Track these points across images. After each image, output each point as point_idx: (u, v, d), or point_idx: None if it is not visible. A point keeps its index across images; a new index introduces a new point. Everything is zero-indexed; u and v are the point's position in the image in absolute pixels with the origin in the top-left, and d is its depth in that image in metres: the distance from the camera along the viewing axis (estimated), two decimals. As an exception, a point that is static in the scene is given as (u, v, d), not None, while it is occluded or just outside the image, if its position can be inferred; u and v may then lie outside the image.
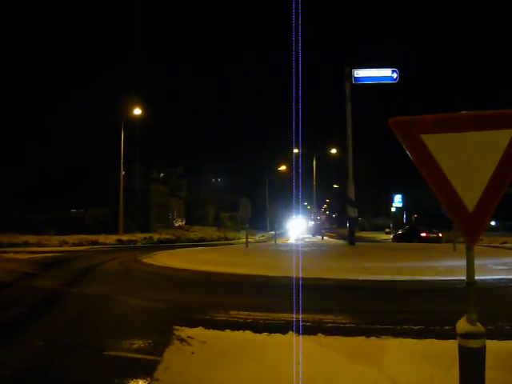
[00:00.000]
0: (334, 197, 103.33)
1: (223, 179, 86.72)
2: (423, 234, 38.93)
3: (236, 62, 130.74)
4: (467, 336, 3.14)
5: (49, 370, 5.61)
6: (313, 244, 29.79)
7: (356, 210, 23.65)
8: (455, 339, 3.24)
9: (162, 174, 73.24)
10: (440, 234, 38.42)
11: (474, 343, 3.12)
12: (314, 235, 58.70)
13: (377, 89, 23.21)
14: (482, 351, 3.15)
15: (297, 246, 25.41)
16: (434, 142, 3.12)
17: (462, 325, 3.18)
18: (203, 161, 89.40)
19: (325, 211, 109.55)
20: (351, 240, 23.49)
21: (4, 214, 38.11)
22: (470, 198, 3.11)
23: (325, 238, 48.41)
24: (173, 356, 5.81)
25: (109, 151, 43.77)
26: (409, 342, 6.26)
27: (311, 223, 77.46)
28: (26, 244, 28.04)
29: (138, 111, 37.54)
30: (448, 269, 13.86)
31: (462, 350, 3.17)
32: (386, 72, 22.31)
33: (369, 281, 12.80)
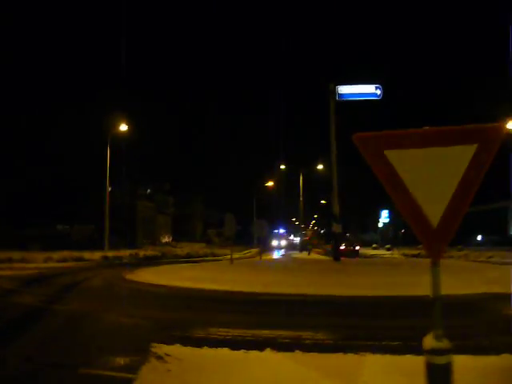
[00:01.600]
0: (321, 212, 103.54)
1: (210, 195, 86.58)
2: (342, 247, 41.67)
3: (224, 78, 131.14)
4: (433, 352, 3.13)
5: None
6: (298, 260, 29.75)
7: (340, 226, 23.70)
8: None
9: (148, 190, 73.15)
10: (357, 247, 45.20)
11: (441, 359, 3.11)
12: (300, 251, 58.64)
13: (364, 103, 23.26)
14: (448, 367, 3.14)
15: (281, 262, 25.37)
16: (397, 158, 3.13)
17: (429, 341, 3.17)
18: (190, 177, 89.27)
19: (313, 227, 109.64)
20: (336, 256, 23.50)
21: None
22: (434, 213, 3.12)
23: (311, 254, 48.35)
24: (148, 373, 5.73)
25: (95, 167, 43.58)
26: (386, 358, 6.24)
27: (298, 239, 77.44)
28: (10, 260, 27.67)
29: (124, 127, 37.48)
30: (428, 283, 13.85)
31: (429, 366, 3.16)
32: (369, 88, 22.50)
33: (350, 297, 12.77)
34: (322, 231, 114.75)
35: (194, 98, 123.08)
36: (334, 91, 22.05)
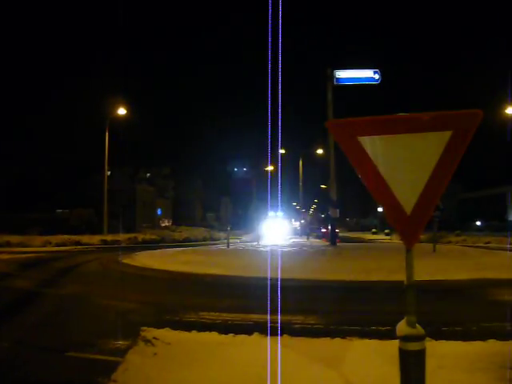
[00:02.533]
0: (322, 197, 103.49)
1: (210, 179, 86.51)
2: (323, 230, 47.38)
3: (224, 61, 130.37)
4: (406, 339, 3.13)
5: (10, 370, 5.56)
6: (295, 245, 29.80)
7: (338, 210, 23.69)
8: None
9: (148, 174, 73.13)
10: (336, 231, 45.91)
11: (414, 345, 3.12)
12: (300, 236, 58.75)
13: (363, 87, 23.16)
14: (421, 354, 3.14)
15: (279, 246, 25.40)
16: (371, 144, 3.11)
17: (402, 327, 3.18)
18: (190, 161, 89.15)
19: (313, 212, 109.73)
20: (333, 240, 23.55)
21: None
22: (408, 200, 3.10)
23: (310, 238, 48.41)
24: (134, 357, 5.77)
25: (95, 152, 43.58)
26: (374, 343, 6.27)
27: (298, 223, 77.57)
28: (9, 244, 27.81)
29: (122, 111, 37.38)
30: (422, 269, 13.87)
31: (402, 353, 3.16)
32: (367, 73, 22.36)
33: (343, 281, 12.81)
34: (323, 216, 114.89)
35: (194, 81, 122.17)
36: (332, 76, 21.93)
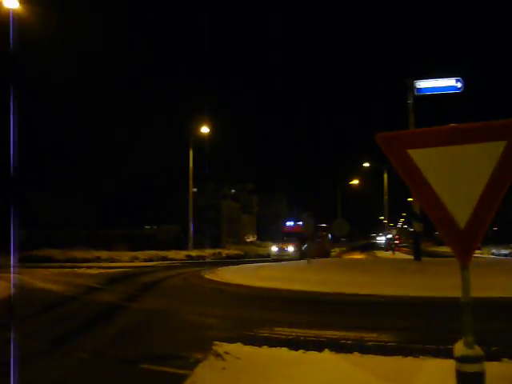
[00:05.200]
0: (409, 211, 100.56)
1: (294, 195, 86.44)
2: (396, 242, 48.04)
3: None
4: (463, 360, 2.99)
5: (82, 380, 5.82)
6: (378, 259, 29.14)
7: (421, 224, 22.93)
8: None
9: (233, 190, 74.26)
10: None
11: (471, 367, 2.97)
12: (386, 250, 57.47)
13: (443, 97, 22.38)
14: (480, 377, 2.98)
15: (359, 261, 24.94)
16: (421, 157, 3.02)
17: (459, 347, 3.04)
18: (274, 177, 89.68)
19: (401, 225, 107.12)
20: (417, 255, 22.77)
21: (81, 230, 40.07)
22: (461, 214, 2.98)
23: (396, 252, 47.18)
24: (203, 371, 5.88)
25: (180, 169, 44.88)
26: (448, 363, 5.98)
27: (384, 238, 75.88)
28: (99, 259, 29.11)
29: (205, 129, 38.35)
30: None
31: (459, 375, 3.02)
32: (449, 82, 21.62)
33: (425, 297, 12.33)
34: (412, 230, 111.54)
35: (279, 98, 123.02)
36: (412, 86, 21.40)
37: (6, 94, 25.84)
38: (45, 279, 18.81)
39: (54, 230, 42.49)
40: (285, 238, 37.85)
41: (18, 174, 34.54)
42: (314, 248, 31.57)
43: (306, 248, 30.99)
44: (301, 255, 32.12)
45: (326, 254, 37.28)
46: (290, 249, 35.13)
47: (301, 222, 30.53)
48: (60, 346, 7.60)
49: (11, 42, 20.34)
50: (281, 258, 33.24)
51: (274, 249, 36.66)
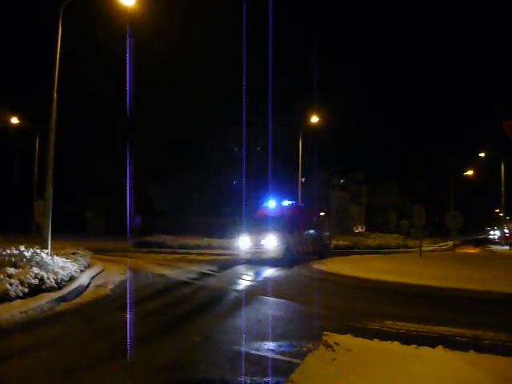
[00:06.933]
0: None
1: (404, 185, 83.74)
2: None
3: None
4: None
5: (197, 363, 6.09)
6: (494, 254, 27.56)
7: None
8: None
9: (342, 180, 73.59)
10: None
11: None
12: (502, 245, 54.36)
13: None
14: None
15: (473, 255, 23.74)
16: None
17: None
18: (384, 166, 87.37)
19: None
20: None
21: (193, 218, 41.79)
22: None
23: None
24: (313, 360, 5.93)
25: (289, 159, 45.03)
26: None
27: (498, 232, 71.79)
28: (210, 247, 29.97)
29: (315, 119, 38.21)
30: None
31: None
32: None
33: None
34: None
35: (392, 88, 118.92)
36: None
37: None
38: (158, 264, 19.89)
39: (168, 217, 44.61)
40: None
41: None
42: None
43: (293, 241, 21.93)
44: (286, 253, 21.08)
45: (323, 249, 25.83)
46: (267, 242, 20.91)
47: (290, 202, 24.33)
48: (172, 329, 8.00)
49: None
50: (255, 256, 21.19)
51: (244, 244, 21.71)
